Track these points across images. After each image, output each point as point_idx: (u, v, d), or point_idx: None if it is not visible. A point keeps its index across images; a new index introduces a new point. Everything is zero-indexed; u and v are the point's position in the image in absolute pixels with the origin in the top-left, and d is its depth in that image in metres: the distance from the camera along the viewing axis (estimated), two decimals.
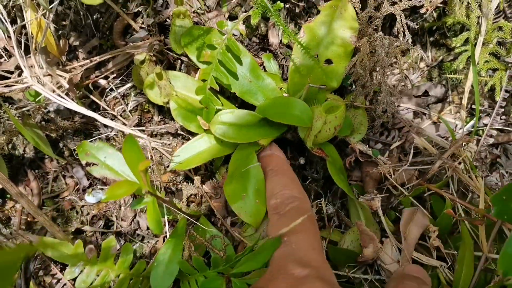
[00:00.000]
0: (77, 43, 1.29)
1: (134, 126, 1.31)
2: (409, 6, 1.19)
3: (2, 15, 0.93)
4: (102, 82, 1.32)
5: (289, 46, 1.38)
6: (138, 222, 1.33)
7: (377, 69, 1.15)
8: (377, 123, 1.25)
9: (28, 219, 1.30)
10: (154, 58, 1.27)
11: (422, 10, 1.20)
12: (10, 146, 1.33)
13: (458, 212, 1.15)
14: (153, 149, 1.33)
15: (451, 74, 1.39)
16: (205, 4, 1.36)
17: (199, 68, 1.28)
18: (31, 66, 1.07)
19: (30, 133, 1.08)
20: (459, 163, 1.22)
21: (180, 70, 1.35)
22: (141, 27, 1.30)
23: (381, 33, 1.15)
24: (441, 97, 1.43)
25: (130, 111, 1.35)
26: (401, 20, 1.20)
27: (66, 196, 1.33)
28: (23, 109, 1.16)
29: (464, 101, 1.33)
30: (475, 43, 1.31)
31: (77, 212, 1.33)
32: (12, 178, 1.32)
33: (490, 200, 0.89)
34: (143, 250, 1.30)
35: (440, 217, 1.14)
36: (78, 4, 1.32)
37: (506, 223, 0.99)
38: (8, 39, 1.14)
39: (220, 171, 1.28)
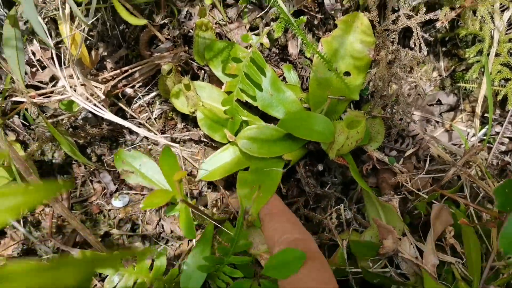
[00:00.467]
0: (105, 53, 1.35)
1: (160, 133, 1.36)
2: (425, 19, 1.24)
3: (44, 30, 0.99)
4: (129, 90, 1.38)
5: (307, 56, 1.43)
6: (162, 225, 1.39)
7: (395, 81, 1.20)
8: (394, 132, 1.30)
9: (58, 222, 1.36)
10: (179, 68, 1.33)
11: (437, 24, 1.25)
12: (39, 152, 1.38)
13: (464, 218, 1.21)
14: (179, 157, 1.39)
15: (464, 84, 1.43)
16: (226, 16, 1.41)
17: (220, 79, 1.34)
18: (69, 77, 1.12)
19: (65, 141, 1.14)
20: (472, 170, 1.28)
21: (203, 79, 1.40)
22: (166, 38, 1.36)
23: (398, 46, 1.20)
24: (453, 105, 1.48)
25: (155, 119, 1.40)
26: (417, 33, 1.25)
27: (94, 201, 1.39)
28: (58, 118, 1.22)
29: (478, 110, 1.39)
30: (488, 53, 1.36)
31: (104, 216, 1.39)
32: None
33: (493, 193, 0.96)
34: (168, 252, 1.35)
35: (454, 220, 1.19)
36: (105, 15, 1.37)
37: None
38: (43, 51, 1.20)
39: None
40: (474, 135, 1.43)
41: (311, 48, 1.12)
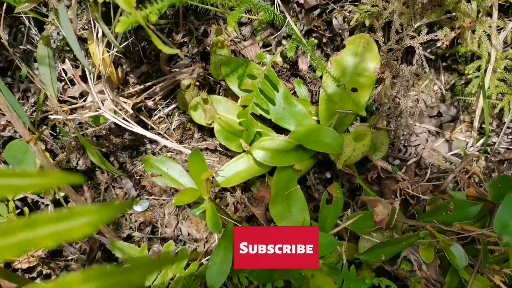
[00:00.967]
0: (128, 69, 1.45)
1: (178, 143, 1.46)
2: (426, 39, 1.34)
3: (82, 52, 1.09)
4: (150, 103, 1.48)
5: (316, 71, 1.53)
6: (180, 229, 1.49)
7: (399, 96, 1.30)
8: (397, 143, 1.40)
9: None
10: (197, 83, 1.43)
11: (439, 43, 1.35)
12: (66, 160, 1.48)
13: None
14: None
15: (464, 97, 1.53)
16: (241, 33, 1.51)
17: (235, 93, 1.43)
18: (98, 92, 1.22)
19: (94, 151, 1.24)
20: (469, 177, 1.37)
21: (219, 93, 1.50)
22: (185, 55, 1.46)
23: (403, 65, 1.30)
24: (453, 117, 1.58)
25: (173, 129, 1.50)
26: (419, 52, 1.35)
27: None
28: (88, 130, 1.32)
29: (476, 122, 1.48)
30: (485, 70, 1.46)
31: (126, 220, 1.49)
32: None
33: (487, 186, 1.08)
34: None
35: None
36: (127, 32, 1.47)
37: None
38: (74, 69, 1.30)
39: (255, 185, 1.43)
40: (472, 145, 1.53)
41: (322, 68, 1.22)
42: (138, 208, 1.47)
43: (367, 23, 1.35)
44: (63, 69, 1.33)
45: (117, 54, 1.31)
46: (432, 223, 1.19)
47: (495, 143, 1.52)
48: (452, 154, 1.46)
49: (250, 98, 1.30)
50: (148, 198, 1.50)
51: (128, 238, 1.47)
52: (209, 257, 1.32)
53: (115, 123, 1.23)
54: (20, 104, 1.42)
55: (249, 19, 1.50)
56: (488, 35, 1.40)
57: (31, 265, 1.36)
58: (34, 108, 1.41)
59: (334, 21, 1.43)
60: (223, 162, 1.49)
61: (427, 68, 1.35)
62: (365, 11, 1.36)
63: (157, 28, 1.40)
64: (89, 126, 1.36)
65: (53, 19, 1.38)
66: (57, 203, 1.45)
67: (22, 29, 1.47)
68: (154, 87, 1.45)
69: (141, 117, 1.45)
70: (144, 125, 1.51)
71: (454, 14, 1.37)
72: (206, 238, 1.47)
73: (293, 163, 1.30)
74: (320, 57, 1.50)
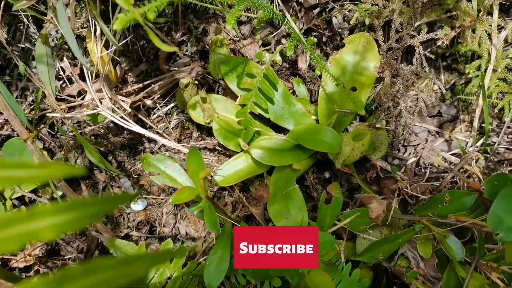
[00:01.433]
0: (127, 67, 1.44)
1: (177, 142, 1.45)
2: (426, 38, 1.33)
3: (80, 51, 1.08)
4: (148, 102, 1.47)
5: (315, 70, 1.53)
6: (178, 228, 1.48)
7: (398, 96, 1.29)
8: (396, 143, 1.39)
9: None
10: (196, 82, 1.42)
11: (439, 43, 1.34)
12: (64, 159, 1.48)
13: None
14: None
15: (464, 96, 1.52)
16: (240, 32, 1.50)
17: (233, 92, 1.43)
18: (96, 91, 1.22)
19: (93, 150, 1.23)
20: (468, 176, 1.37)
21: (217, 92, 1.49)
22: (184, 54, 1.45)
23: (402, 65, 1.29)
24: (453, 117, 1.57)
25: (172, 128, 1.50)
26: (419, 51, 1.34)
27: None
28: (86, 128, 1.31)
29: (475, 122, 1.47)
30: (486, 69, 1.45)
31: (124, 219, 1.49)
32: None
33: (483, 184, 1.09)
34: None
35: None
36: (126, 30, 1.47)
37: None
38: (72, 67, 1.29)
39: (253, 184, 1.43)
40: (472, 145, 1.52)
41: (322, 67, 1.21)
42: (136, 207, 1.47)
43: (367, 22, 1.34)
44: (61, 68, 1.32)
45: (115, 52, 1.31)
46: (427, 217, 1.18)
47: (495, 143, 1.52)
48: (451, 154, 1.45)
49: (249, 97, 1.30)
50: (146, 197, 1.49)
51: (126, 237, 1.46)
52: (207, 256, 1.32)
53: (113, 122, 1.23)
54: (18, 102, 1.41)
55: (248, 17, 1.49)
56: (489, 34, 1.39)
57: (28, 264, 1.35)
58: (32, 106, 1.40)
59: (334, 20, 1.42)
60: (221, 161, 1.49)
61: (427, 67, 1.34)
62: (365, 10, 1.35)
63: (156, 26, 1.39)
64: (87, 125, 1.35)
65: (51, 17, 1.38)
66: (54, 201, 1.44)
67: (21, 27, 1.46)
68: (153, 85, 1.44)
69: (140, 116, 1.44)
70: (143, 124, 1.51)
71: (454, 13, 1.36)
72: (204, 237, 1.46)
73: (291, 163, 1.30)
74: (320, 56, 1.49)
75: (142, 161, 1.22)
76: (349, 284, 1.10)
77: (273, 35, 1.47)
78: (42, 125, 1.28)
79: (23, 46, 1.39)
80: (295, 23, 1.39)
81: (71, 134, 1.29)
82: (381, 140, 1.40)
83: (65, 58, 1.30)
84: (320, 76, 1.53)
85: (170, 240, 1.21)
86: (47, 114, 1.21)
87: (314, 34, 1.51)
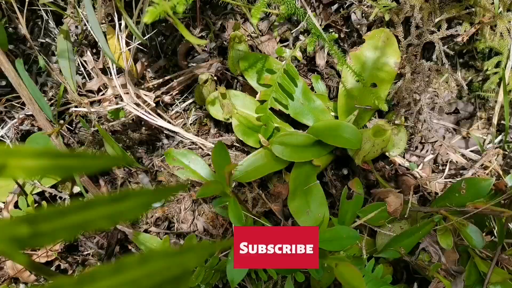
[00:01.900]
0: (146, 63, 1.45)
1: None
2: (446, 35, 1.34)
3: (107, 46, 1.08)
4: (166, 98, 1.48)
5: (332, 67, 1.53)
6: (196, 224, 1.48)
7: (418, 92, 1.29)
8: (415, 140, 1.39)
9: None
10: (215, 78, 1.42)
11: (458, 39, 1.34)
12: None
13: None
14: (209, 157, 1.49)
15: (483, 93, 1.52)
16: (258, 28, 1.50)
17: (252, 87, 1.43)
18: (116, 86, 1.22)
19: (117, 146, 1.24)
20: (488, 173, 1.37)
21: (236, 88, 1.50)
22: (202, 50, 1.45)
23: (423, 61, 1.29)
24: (470, 114, 1.57)
25: (190, 124, 1.50)
26: (439, 48, 1.34)
27: None
28: (109, 124, 1.32)
29: (495, 119, 1.47)
30: (505, 66, 1.45)
31: (142, 215, 1.49)
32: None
33: (506, 179, 1.08)
34: None
35: None
36: (144, 26, 1.47)
37: None
38: (94, 62, 1.30)
39: (272, 181, 1.43)
40: (490, 142, 1.52)
41: (343, 62, 1.21)
42: (154, 204, 1.47)
43: (387, 18, 1.34)
44: (81, 63, 1.32)
45: (136, 47, 1.31)
46: (445, 207, 1.18)
47: None
48: (470, 151, 1.45)
49: (269, 93, 1.30)
50: None
51: (145, 233, 1.47)
52: (226, 252, 1.32)
53: (135, 117, 1.23)
54: None
55: (266, 13, 1.49)
56: (508, 31, 1.39)
57: (49, 259, 1.36)
58: (52, 102, 1.41)
59: (353, 16, 1.42)
60: (239, 158, 1.49)
61: (446, 64, 1.34)
62: (384, 6, 1.35)
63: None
64: (106, 121, 1.35)
65: (71, 12, 1.38)
66: (73, 197, 1.45)
67: (39, 22, 1.47)
68: (171, 81, 1.45)
69: (158, 111, 1.44)
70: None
71: (473, 9, 1.36)
72: (222, 234, 1.46)
73: (311, 159, 1.30)
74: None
75: (165, 155, 1.23)
76: (372, 279, 1.10)
77: (292, 31, 1.47)
78: (65, 120, 1.28)
79: (43, 41, 1.39)
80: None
81: (92, 129, 1.30)
82: (400, 137, 1.40)
83: (88, 53, 1.30)
84: (338, 73, 1.53)
85: (194, 235, 1.21)
86: (72, 109, 1.21)
87: (332, 30, 1.51)
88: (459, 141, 1.55)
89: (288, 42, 1.51)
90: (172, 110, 1.50)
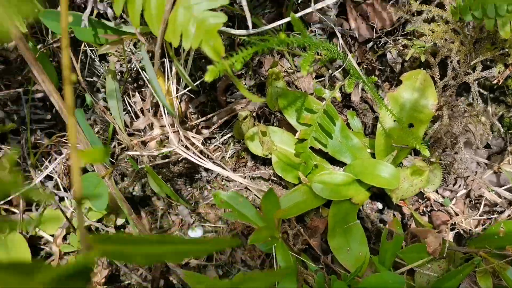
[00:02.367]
0: (187, 99, 1.50)
1: (232, 171, 1.50)
2: (481, 76, 1.37)
3: (161, 91, 1.14)
4: (204, 131, 1.53)
5: (366, 102, 1.57)
6: (234, 255, 1.52)
7: (456, 133, 1.33)
8: (451, 178, 1.42)
9: None
10: (254, 114, 1.47)
11: (494, 81, 1.38)
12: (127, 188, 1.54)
13: None
14: (246, 190, 1.54)
15: None
16: (294, 65, 1.55)
17: (289, 123, 1.47)
18: (164, 125, 1.27)
19: (164, 184, 1.29)
20: None
21: (273, 124, 1.54)
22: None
23: (460, 100, 1.33)
24: (501, 149, 1.60)
25: (228, 157, 1.55)
26: (474, 89, 1.38)
27: (174, 232, 1.53)
28: (155, 162, 1.37)
29: None
30: None
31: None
32: None
33: None
34: None
35: None
36: (183, 63, 1.53)
37: None
38: (142, 102, 1.35)
39: (309, 214, 1.47)
40: None
41: (382, 106, 1.25)
42: (194, 234, 1.51)
43: (423, 58, 1.38)
44: (128, 102, 1.38)
45: (178, 90, 1.36)
46: (484, 249, 1.22)
47: None
48: (505, 189, 1.48)
49: (309, 132, 1.34)
50: (203, 225, 1.54)
51: (186, 265, 1.51)
52: None
53: (183, 159, 1.28)
54: None
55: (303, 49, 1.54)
56: None
57: None
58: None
59: (389, 55, 1.46)
60: (275, 190, 1.53)
61: (481, 104, 1.37)
62: (419, 47, 1.39)
63: None
64: (152, 158, 1.41)
65: (116, 51, 1.44)
66: (117, 229, 1.50)
67: (83, 59, 1.52)
68: (212, 118, 1.50)
69: (199, 145, 1.49)
70: (201, 152, 1.56)
71: (506, 50, 1.39)
72: (259, 265, 1.50)
73: (350, 197, 1.34)
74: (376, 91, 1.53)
75: (214, 197, 1.27)
76: None
77: (328, 69, 1.51)
78: (116, 162, 1.34)
79: (91, 79, 1.45)
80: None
81: (139, 166, 1.35)
82: (435, 174, 1.44)
83: (137, 94, 1.36)
84: (371, 107, 1.57)
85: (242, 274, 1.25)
86: (126, 152, 1.26)
87: (365, 66, 1.55)
88: (490, 176, 1.58)
89: (323, 78, 1.55)
90: (211, 144, 1.55)
